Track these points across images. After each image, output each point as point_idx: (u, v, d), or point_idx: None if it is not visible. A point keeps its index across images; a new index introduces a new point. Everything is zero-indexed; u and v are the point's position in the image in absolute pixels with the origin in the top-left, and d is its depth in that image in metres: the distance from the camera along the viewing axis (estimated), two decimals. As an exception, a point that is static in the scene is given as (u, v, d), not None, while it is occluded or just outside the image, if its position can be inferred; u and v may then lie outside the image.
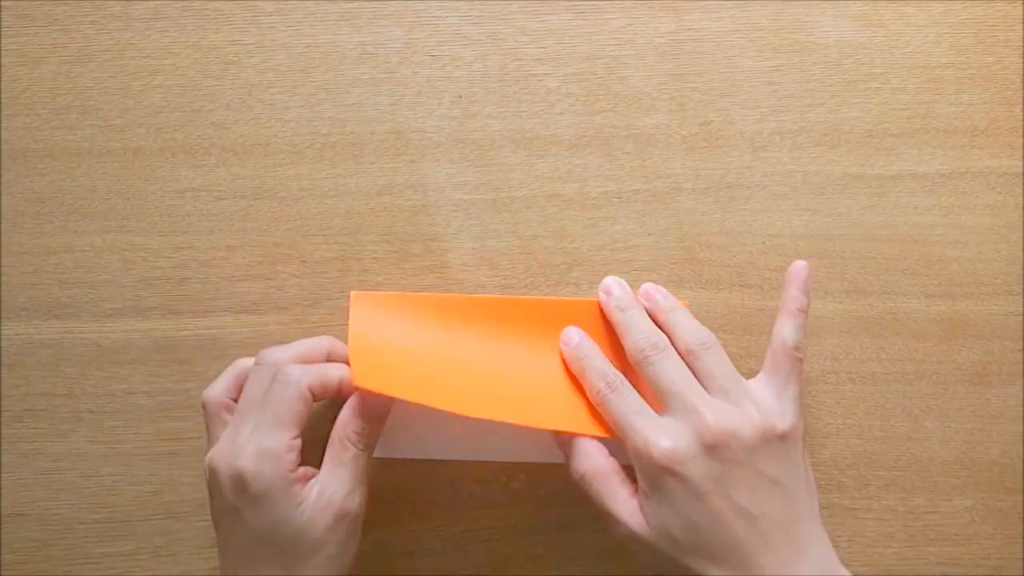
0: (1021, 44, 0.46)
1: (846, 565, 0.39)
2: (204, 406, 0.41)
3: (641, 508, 0.39)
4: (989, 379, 0.46)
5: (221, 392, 0.41)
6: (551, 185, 0.46)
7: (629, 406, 0.40)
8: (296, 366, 0.40)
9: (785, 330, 0.41)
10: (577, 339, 0.43)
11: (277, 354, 0.41)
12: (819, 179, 0.46)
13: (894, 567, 0.46)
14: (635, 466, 0.39)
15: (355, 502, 0.40)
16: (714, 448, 0.38)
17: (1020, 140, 0.46)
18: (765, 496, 0.38)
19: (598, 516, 0.40)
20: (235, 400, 0.41)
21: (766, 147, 0.46)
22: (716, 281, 0.46)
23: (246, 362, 0.42)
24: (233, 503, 0.38)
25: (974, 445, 0.46)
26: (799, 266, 0.42)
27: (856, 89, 0.46)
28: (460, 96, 0.46)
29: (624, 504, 0.39)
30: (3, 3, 0.46)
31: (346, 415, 0.41)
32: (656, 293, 0.44)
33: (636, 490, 0.40)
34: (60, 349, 0.46)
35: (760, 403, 0.40)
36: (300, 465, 0.39)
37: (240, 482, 0.38)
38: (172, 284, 0.46)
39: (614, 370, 0.42)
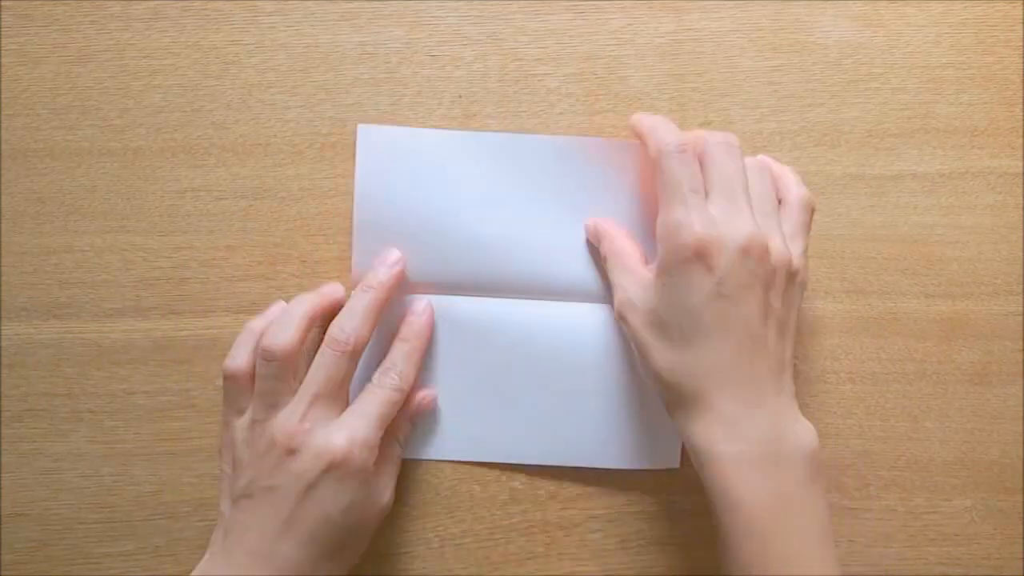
0: (1021, 44, 0.46)
1: (846, 565, 0.39)
2: (232, 378, 0.42)
3: (651, 282, 0.40)
4: (989, 379, 0.46)
5: (246, 364, 0.42)
6: (551, 185, 0.46)
7: (687, 176, 0.39)
8: (403, 372, 0.43)
9: (795, 188, 0.42)
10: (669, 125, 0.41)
11: (348, 328, 0.42)
12: (819, 179, 0.46)
13: (894, 567, 0.46)
14: (660, 237, 0.40)
15: (392, 499, 0.43)
16: (747, 251, 0.38)
17: (1020, 140, 0.46)
18: (770, 322, 0.39)
19: (611, 288, 0.43)
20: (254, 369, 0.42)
21: (766, 147, 0.46)
22: (716, 281, 0.46)
23: (258, 324, 0.43)
24: (307, 478, 0.39)
25: (974, 445, 0.46)
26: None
27: (856, 89, 0.46)
28: (460, 96, 0.46)
29: (638, 278, 0.41)
30: (3, 3, 0.46)
31: (398, 417, 0.43)
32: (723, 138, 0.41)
33: (653, 271, 0.40)
34: (60, 349, 0.46)
35: (787, 238, 0.40)
36: None
37: (338, 460, 0.40)
38: (172, 284, 0.46)
39: (687, 138, 0.40)
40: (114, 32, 0.46)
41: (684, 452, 0.46)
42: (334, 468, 0.40)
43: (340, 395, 0.42)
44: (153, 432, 0.46)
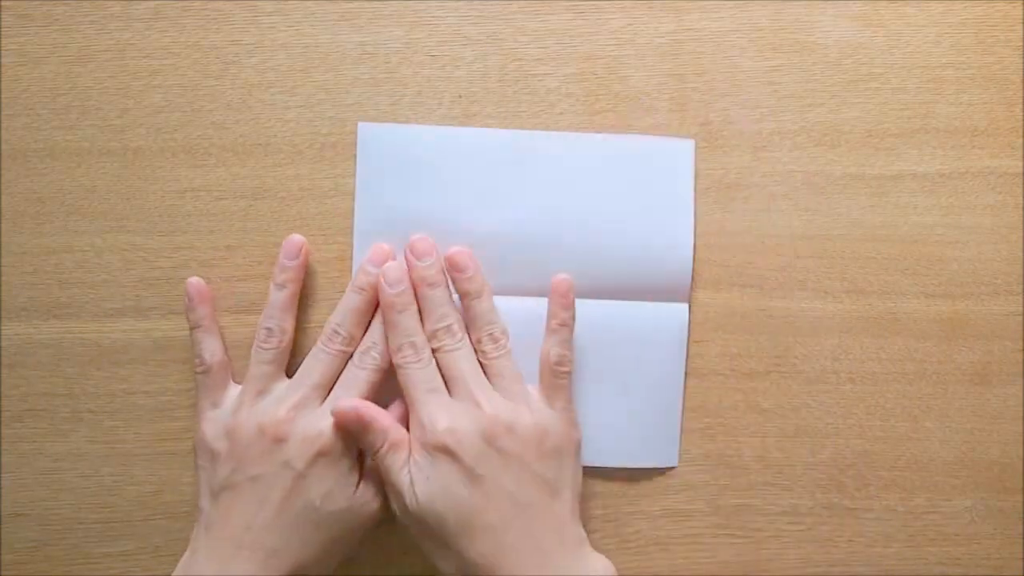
0: (1021, 44, 0.46)
1: (846, 565, 0.39)
2: (207, 371, 0.43)
3: (413, 481, 0.40)
4: (989, 379, 0.46)
5: (219, 354, 0.44)
6: (551, 185, 0.46)
7: (425, 381, 0.42)
8: (383, 352, 0.43)
9: (547, 347, 0.43)
10: (400, 286, 0.43)
11: (343, 331, 0.43)
12: (819, 179, 0.46)
13: (894, 567, 0.46)
14: (415, 439, 0.41)
15: (385, 508, 0.43)
16: (490, 436, 0.40)
17: (1020, 140, 0.46)
18: (532, 490, 0.40)
19: (388, 491, 0.42)
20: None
21: (766, 147, 0.46)
22: (716, 281, 0.46)
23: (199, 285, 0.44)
24: (295, 465, 0.40)
25: (974, 445, 0.46)
26: (559, 280, 0.43)
27: (856, 89, 0.46)
28: (460, 96, 0.46)
29: (402, 477, 0.41)
30: (3, 3, 0.46)
31: (395, 419, 0.43)
32: (468, 268, 0.44)
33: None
34: (60, 349, 0.46)
35: (535, 408, 0.42)
36: None
37: (318, 445, 0.40)
38: (172, 284, 0.46)
39: (423, 337, 0.43)
40: (114, 32, 0.46)
41: (683, 447, 0.46)
42: (322, 455, 0.40)
43: (329, 388, 0.43)
44: (153, 432, 0.46)
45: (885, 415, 0.46)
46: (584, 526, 0.45)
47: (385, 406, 0.44)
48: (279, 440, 0.40)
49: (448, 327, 0.43)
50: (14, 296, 0.46)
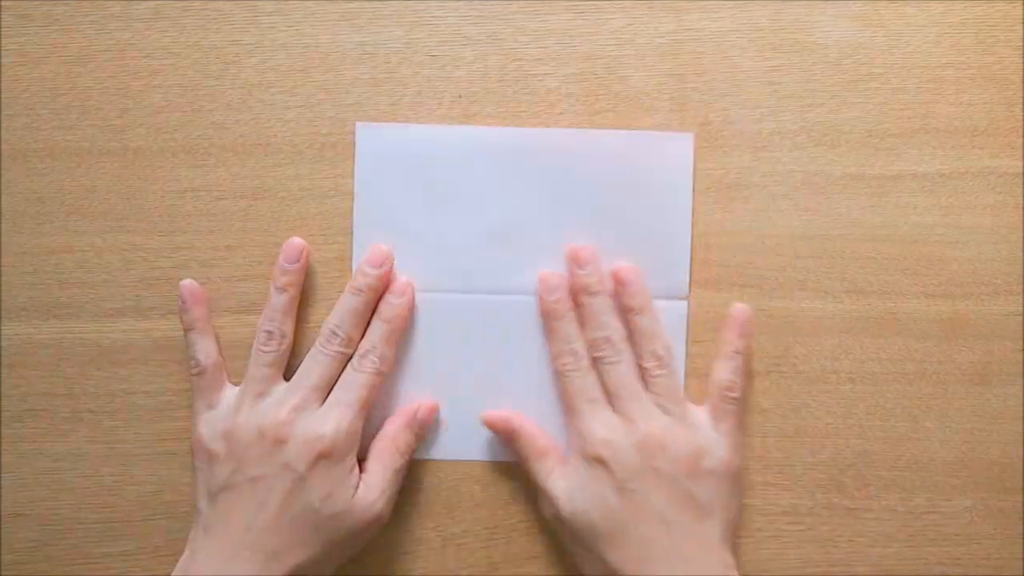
0: (1021, 44, 0.46)
1: (846, 565, 0.39)
2: (203, 372, 0.43)
3: (569, 488, 0.42)
4: (989, 379, 0.46)
5: (214, 355, 0.44)
6: (551, 185, 0.46)
7: (585, 390, 0.43)
8: (383, 355, 0.43)
9: (719, 372, 0.44)
10: (559, 293, 0.44)
11: (341, 333, 0.43)
12: (819, 179, 0.46)
13: (894, 567, 0.46)
14: (573, 447, 0.42)
15: (389, 509, 0.43)
16: (645, 452, 0.41)
17: (1020, 140, 0.46)
18: (682, 509, 0.41)
19: (538, 496, 0.44)
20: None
21: (766, 147, 0.46)
22: (716, 281, 0.46)
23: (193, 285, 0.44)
24: (296, 468, 0.40)
25: (974, 445, 0.46)
26: (740, 309, 0.44)
27: (856, 89, 0.46)
28: (460, 96, 0.46)
29: (556, 483, 0.42)
30: (3, 3, 0.46)
31: (398, 424, 0.44)
32: (633, 284, 0.44)
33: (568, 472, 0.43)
34: (60, 349, 0.46)
35: (696, 428, 0.43)
36: None
37: (327, 449, 0.40)
38: (172, 284, 0.46)
39: (583, 344, 0.43)
40: (114, 32, 0.46)
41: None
42: (323, 457, 0.40)
43: (328, 389, 0.43)
44: (153, 432, 0.46)
45: (885, 415, 0.46)
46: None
47: (383, 409, 0.44)
48: (279, 442, 0.41)
49: (608, 337, 0.43)
50: (14, 296, 0.46)
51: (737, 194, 0.46)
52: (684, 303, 0.46)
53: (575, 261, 0.44)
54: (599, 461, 0.41)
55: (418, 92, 0.46)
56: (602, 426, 0.42)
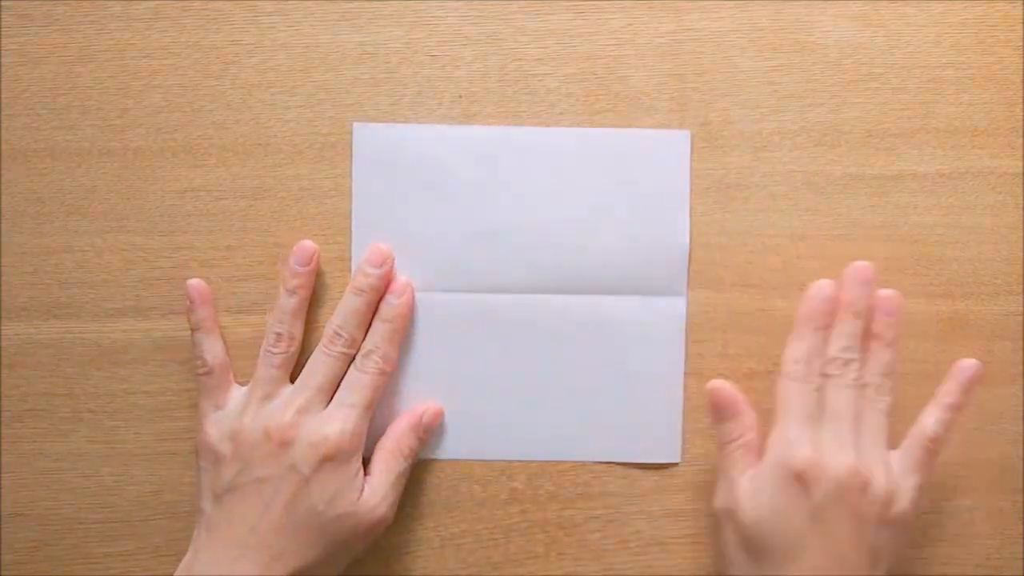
0: (1021, 44, 0.46)
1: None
2: (210, 372, 0.43)
3: (755, 492, 0.40)
4: (989, 379, 0.46)
5: (222, 355, 0.44)
6: (551, 185, 0.46)
7: (807, 405, 0.41)
8: (385, 355, 0.43)
9: (927, 418, 0.42)
10: (831, 305, 0.43)
11: (345, 333, 0.43)
12: (819, 179, 0.46)
13: (894, 567, 0.46)
14: (772, 452, 0.41)
15: (392, 512, 0.43)
16: (846, 486, 0.39)
17: (1020, 140, 0.46)
18: (860, 552, 0.39)
19: (719, 480, 0.42)
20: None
21: (766, 147, 0.46)
22: (716, 281, 0.46)
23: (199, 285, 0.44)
24: (301, 470, 0.40)
25: (974, 445, 0.46)
26: (968, 364, 0.43)
27: (856, 89, 0.46)
28: (460, 96, 0.46)
29: (747, 481, 0.41)
30: (3, 3, 0.46)
31: (402, 428, 0.44)
32: (894, 316, 0.43)
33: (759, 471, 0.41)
34: (60, 349, 0.46)
35: (892, 472, 0.41)
36: None
37: (331, 451, 0.40)
38: (172, 284, 0.46)
39: (821, 361, 0.42)
40: (114, 32, 0.46)
41: (684, 446, 0.46)
42: (328, 460, 0.40)
43: (332, 390, 0.43)
44: (153, 432, 0.46)
45: (885, 415, 0.46)
46: (584, 526, 0.46)
47: (383, 408, 0.44)
48: (285, 444, 0.41)
49: (850, 361, 0.42)
50: (14, 296, 0.46)
51: (737, 194, 0.46)
52: (683, 299, 0.46)
53: (856, 277, 0.43)
54: (799, 479, 0.40)
55: (418, 92, 0.46)
56: (812, 444, 0.40)
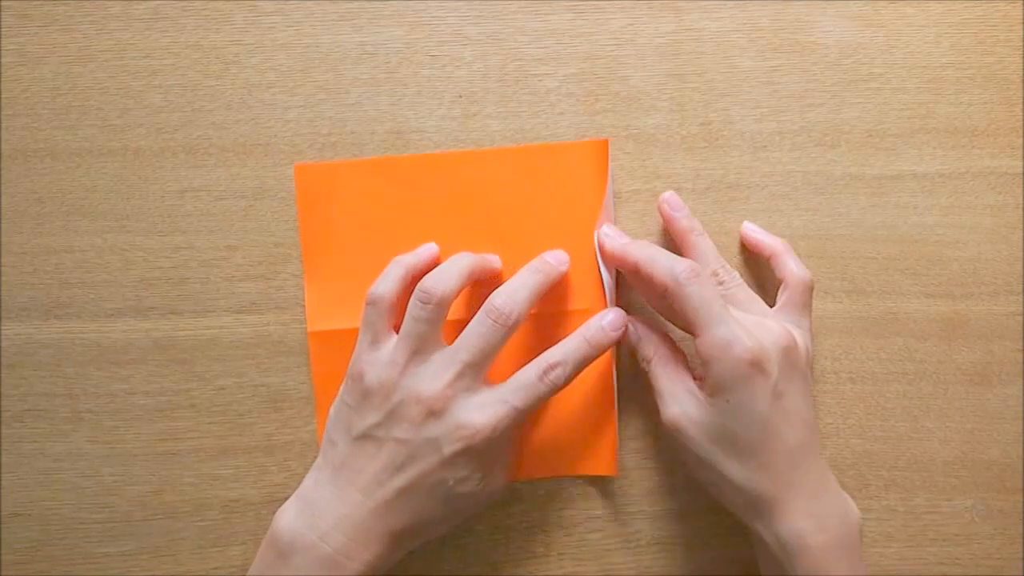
0: (1021, 44, 0.46)
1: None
2: (375, 303, 0.42)
3: (707, 399, 0.40)
4: (989, 379, 0.46)
5: (391, 293, 0.42)
6: (551, 185, 0.46)
7: (715, 297, 0.39)
8: (569, 375, 0.41)
9: (793, 268, 0.44)
10: (687, 210, 0.45)
11: (512, 302, 0.41)
12: (819, 179, 0.46)
13: (894, 567, 0.46)
14: (710, 357, 0.39)
15: (511, 477, 0.44)
16: (785, 354, 0.39)
17: (1020, 140, 0.46)
18: (809, 407, 0.40)
19: (656, 398, 0.42)
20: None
21: (766, 147, 0.46)
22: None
23: (409, 259, 0.43)
24: (442, 449, 0.40)
25: (974, 445, 0.46)
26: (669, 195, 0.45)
27: (856, 89, 0.46)
28: (460, 96, 0.46)
29: (690, 389, 0.41)
30: (3, 3, 0.46)
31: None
32: (683, 209, 0.45)
33: (698, 379, 0.41)
34: (60, 349, 0.46)
35: (795, 323, 0.43)
36: None
37: (476, 440, 0.40)
38: (172, 284, 0.46)
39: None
40: (114, 32, 0.46)
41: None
42: (472, 447, 0.40)
43: (486, 366, 0.41)
44: (153, 432, 0.46)
45: (885, 415, 0.46)
46: (584, 526, 0.46)
47: None
48: (433, 414, 0.40)
49: (725, 267, 0.44)
50: (14, 296, 0.46)
51: (737, 194, 0.46)
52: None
53: (671, 207, 0.45)
54: (754, 365, 0.38)
55: (418, 92, 0.46)
56: (744, 332, 0.39)
